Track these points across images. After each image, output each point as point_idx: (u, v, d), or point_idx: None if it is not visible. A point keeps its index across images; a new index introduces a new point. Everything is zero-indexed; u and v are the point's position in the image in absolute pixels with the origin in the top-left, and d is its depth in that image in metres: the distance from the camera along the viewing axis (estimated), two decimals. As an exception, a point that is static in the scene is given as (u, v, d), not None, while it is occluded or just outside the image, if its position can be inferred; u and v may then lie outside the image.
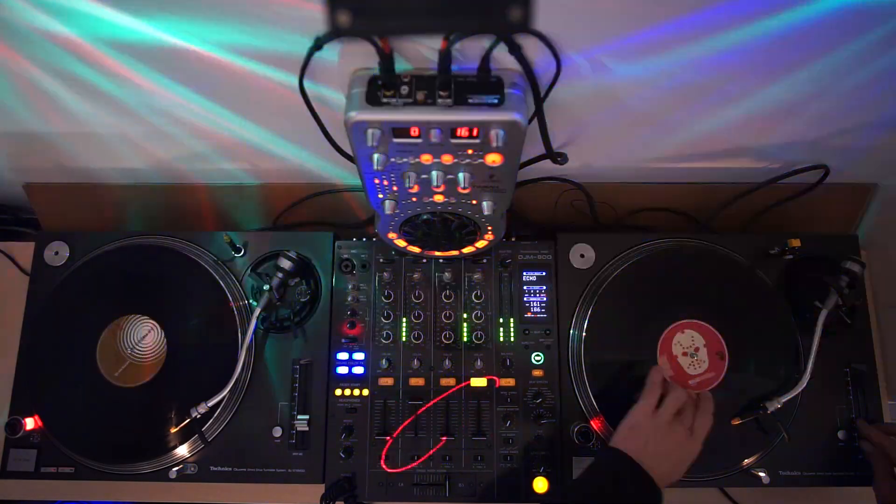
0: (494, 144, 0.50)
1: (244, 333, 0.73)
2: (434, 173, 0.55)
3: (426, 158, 0.53)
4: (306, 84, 0.55)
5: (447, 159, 0.53)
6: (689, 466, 0.64)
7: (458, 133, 0.50)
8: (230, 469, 0.73)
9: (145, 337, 0.75)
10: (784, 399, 0.69)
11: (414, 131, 0.50)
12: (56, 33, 0.53)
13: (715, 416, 0.67)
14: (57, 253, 0.79)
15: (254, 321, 0.71)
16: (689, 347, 0.74)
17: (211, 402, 0.69)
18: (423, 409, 0.74)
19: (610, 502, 0.59)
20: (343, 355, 0.76)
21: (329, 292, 0.78)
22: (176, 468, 0.73)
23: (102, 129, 0.71)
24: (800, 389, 0.69)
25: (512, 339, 0.77)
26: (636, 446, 0.62)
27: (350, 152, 0.55)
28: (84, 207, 0.90)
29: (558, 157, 0.62)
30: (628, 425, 0.65)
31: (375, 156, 0.52)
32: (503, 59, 0.49)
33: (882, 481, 0.68)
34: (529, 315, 0.77)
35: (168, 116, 0.67)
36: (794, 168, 0.77)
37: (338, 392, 0.75)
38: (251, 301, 0.76)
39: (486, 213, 0.60)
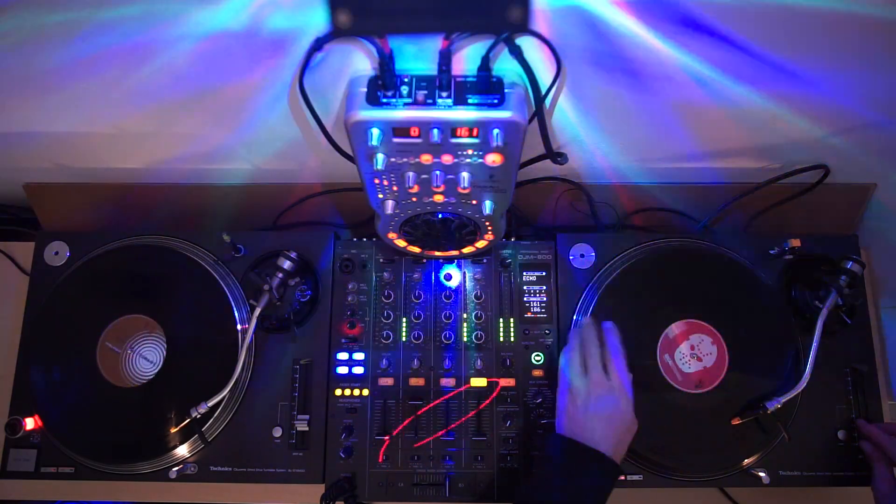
0: (494, 144, 0.50)
1: (244, 333, 0.73)
2: (434, 173, 0.55)
3: (426, 158, 0.53)
4: (306, 84, 0.55)
5: (447, 159, 0.53)
6: (631, 411, 0.63)
7: (458, 133, 0.50)
8: (230, 469, 0.73)
9: (146, 360, 0.74)
10: (784, 399, 0.69)
11: (414, 131, 0.50)
12: (56, 33, 0.53)
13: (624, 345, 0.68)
14: (57, 253, 0.79)
15: (254, 321, 0.71)
16: (692, 347, 0.74)
17: (211, 402, 0.69)
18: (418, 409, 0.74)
19: (565, 486, 0.59)
20: (343, 355, 0.76)
21: (329, 292, 0.78)
22: (176, 468, 0.73)
23: (103, 129, 0.71)
24: (800, 389, 0.69)
25: (512, 339, 0.77)
26: (572, 428, 0.62)
27: (350, 152, 0.55)
28: (84, 207, 0.90)
29: (558, 157, 0.62)
30: (560, 411, 0.65)
31: (375, 156, 0.52)
32: (503, 59, 0.49)
33: (881, 481, 0.68)
34: (529, 315, 0.77)
35: (168, 116, 0.67)
36: (794, 168, 0.77)
37: (338, 392, 0.75)
38: (251, 301, 0.76)
39: (486, 213, 0.60)
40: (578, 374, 0.65)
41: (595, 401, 0.63)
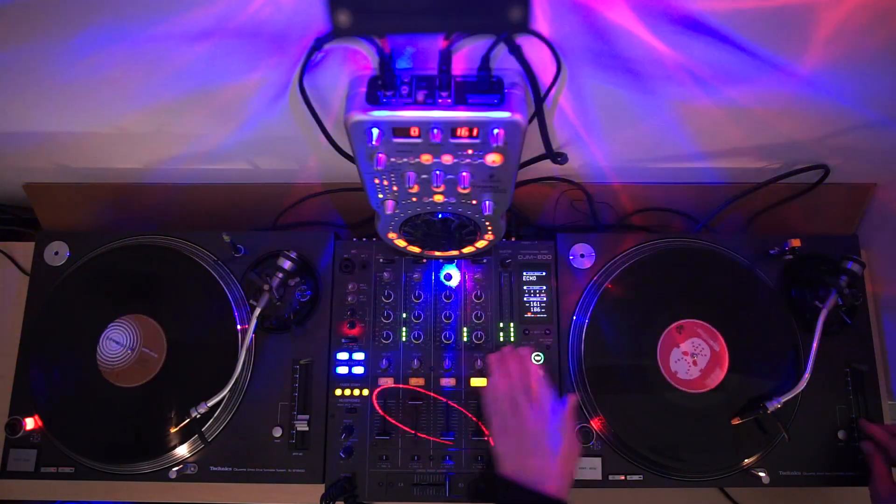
0: (494, 144, 0.50)
1: (244, 333, 0.73)
2: (434, 173, 0.55)
3: (426, 158, 0.53)
4: (306, 84, 0.55)
5: (447, 159, 0.53)
6: (565, 437, 0.62)
7: (458, 133, 0.50)
8: (230, 469, 0.73)
9: (115, 347, 0.74)
10: (784, 399, 0.69)
11: (414, 131, 0.50)
12: (56, 33, 0.53)
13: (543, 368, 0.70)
14: (57, 253, 0.79)
15: (254, 321, 0.71)
16: (692, 347, 0.74)
17: (211, 402, 0.69)
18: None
19: None
20: (343, 355, 0.76)
21: (329, 292, 0.78)
22: (176, 468, 0.73)
23: (103, 129, 0.71)
24: (800, 389, 0.69)
25: (512, 339, 0.77)
26: (515, 468, 0.61)
27: (350, 152, 0.55)
28: (84, 207, 0.90)
29: (558, 157, 0.62)
30: (497, 454, 0.63)
31: (375, 156, 0.52)
32: (503, 59, 0.49)
33: (881, 482, 0.68)
34: (529, 315, 0.77)
35: (168, 116, 0.67)
36: (794, 168, 0.77)
37: (338, 392, 0.75)
38: (251, 301, 0.76)
39: (486, 213, 0.60)
40: (508, 412, 0.64)
41: (532, 437, 0.61)
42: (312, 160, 0.78)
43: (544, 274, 0.78)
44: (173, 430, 0.72)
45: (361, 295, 0.78)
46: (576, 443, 0.64)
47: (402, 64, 0.52)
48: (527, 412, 0.63)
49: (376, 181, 0.58)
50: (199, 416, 0.69)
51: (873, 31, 0.51)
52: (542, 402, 0.64)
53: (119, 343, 0.74)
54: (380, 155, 0.52)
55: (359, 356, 0.76)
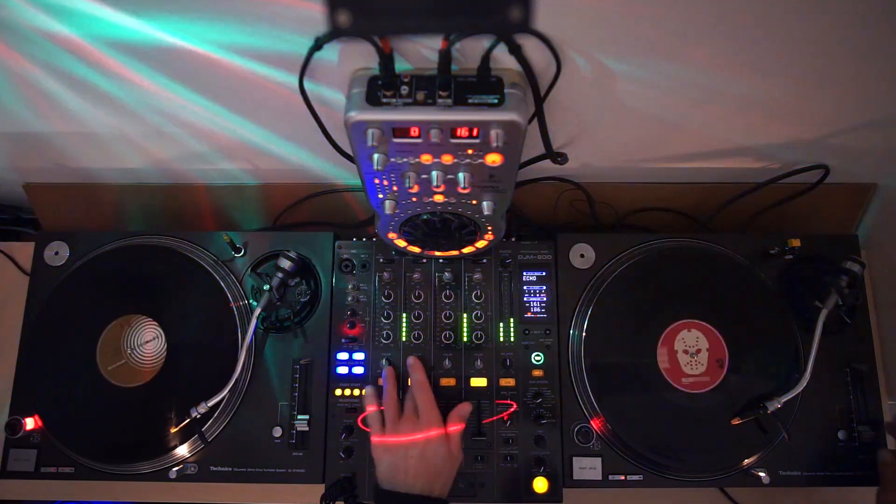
0: (494, 144, 0.50)
1: (244, 333, 0.73)
2: (434, 173, 0.55)
3: (426, 158, 0.53)
4: (306, 84, 0.55)
5: (447, 159, 0.53)
6: (447, 445, 0.66)
7: (458, 133, 0.50)
8: (230, 469, 0.73)
9: (149, 342, 0.75)
10: (784, 399, 0.69)
11: (414, 131, 0.50)
12: (56, 33, 0.53)
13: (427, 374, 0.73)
14: (57, 253, 0.79)
15: (254, 321, 0.71)
16: (692, 347, 0.74)
17: (211, 402, 0.69)
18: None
19: None
20: (343, 355, 0.76)
21: (329, 292, 0.78)
22: (176, 468, 0.73)
23: (102, 129, 0.71)
24: (800, 389, 0.69)
25: (512, 339, 0.77)
26: (390, 476, 0.64)
27: (350, 152, 0.55)
28: (84, 207, 0.90)
29: (558, 157, 0.62)
30: (375, 462, 0.67)
31: (375, 156, 0.52)
32: (503, 59, 0.49)
33: (892, 493, 0.67)
34: (529, 315, 0.77)
35: (168, 116, 0.67)
36: (794, 168, 0.77)
37: (338, 392, 0.75)
38: (251, 301, 0.77)
39: (486, 213, 0.60)
40: (390, 425, 0.68)
41: (415, 449, 0.65)
42: (312, 160, 0.78)
43: (544, 274, 0.78)
44: (173, 430, 0.72)
45: (361, 295, 0.78)
46: (458, 449, 0.68)
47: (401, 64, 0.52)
48: (409, 424, 0.67)
49: (376, 181, 0.58)
50: (199, 416, 0.69)
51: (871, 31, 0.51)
52: (421, 412, 0.68)
53: (146, 340, 0.74)
54: (380, 155, 0.52)
55: (359, 356, 0.76)
